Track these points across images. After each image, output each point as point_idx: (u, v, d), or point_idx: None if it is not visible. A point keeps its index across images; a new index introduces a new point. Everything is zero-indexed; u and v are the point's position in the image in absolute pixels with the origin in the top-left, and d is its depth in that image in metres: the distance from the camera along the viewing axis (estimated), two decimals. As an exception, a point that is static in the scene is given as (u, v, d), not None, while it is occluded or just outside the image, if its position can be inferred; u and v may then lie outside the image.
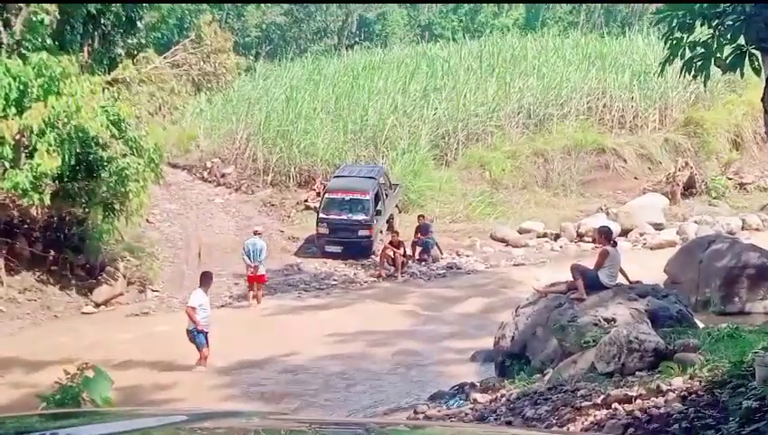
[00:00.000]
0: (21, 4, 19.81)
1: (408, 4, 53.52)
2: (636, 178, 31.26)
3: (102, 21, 23.04)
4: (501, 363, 13.85)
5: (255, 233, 21.37)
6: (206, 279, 16.05)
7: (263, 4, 47.61)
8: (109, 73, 21.73)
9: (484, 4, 53.32)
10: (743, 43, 6.67)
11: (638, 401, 8.23)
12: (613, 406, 8.29)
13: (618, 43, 37.87)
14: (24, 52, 19.26)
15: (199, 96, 27.94)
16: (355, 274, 23.29)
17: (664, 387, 8.50)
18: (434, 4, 53.28)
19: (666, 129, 33.11)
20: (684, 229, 26.24)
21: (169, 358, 15.98)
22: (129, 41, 24.44)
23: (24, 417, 2.39)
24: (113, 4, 22.56)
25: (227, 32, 28.77)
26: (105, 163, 19.67)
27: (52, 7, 19.89)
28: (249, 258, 20.47)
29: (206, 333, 15.39)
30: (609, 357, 10.42)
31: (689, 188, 29.87)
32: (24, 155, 18.52)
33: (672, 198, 29.10)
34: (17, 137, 18.16)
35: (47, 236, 20.30)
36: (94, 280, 20.62)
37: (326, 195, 24.87)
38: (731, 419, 6.78)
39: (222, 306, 20.22)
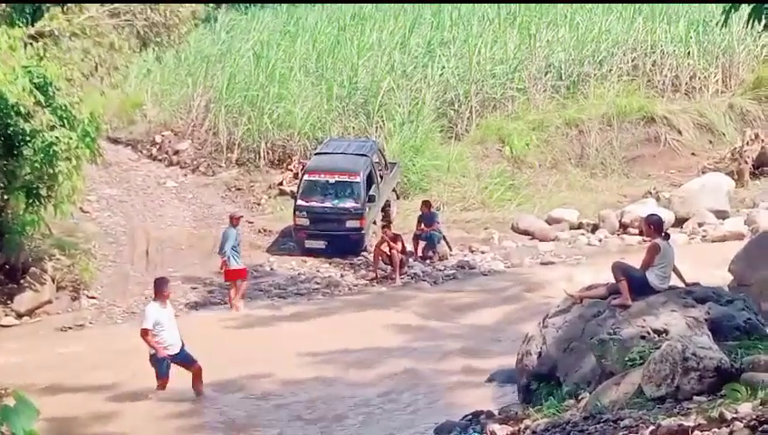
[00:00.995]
0: None
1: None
2: (693, 153, 31.27)
3: (24, -41, 22.98)
4: (525, 386, 13.86)
5: (231, 220, 21.77)
6: (160, 287, 15.63)
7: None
8: (32, 25, 21.66)
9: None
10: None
11: (697, 432, 8.24)
12: (665, 439, 8.30)
13: (671, -15, 37.88)
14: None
15: (146, 53, 27.78)
16: (342, 275, 23.32)
17: (728, 415, 8.51)
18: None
19: (730, 92, 33.12)
20: (753, 218, 26.25)
21: (112, 381, 16.00)
22: (58, -16, 24.38)
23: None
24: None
25: (181, -28, 28.71)
26: (28, 138, 19.59)
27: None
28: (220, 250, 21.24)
29: (174, 356, 15.16)
30: (659, 378, 10.43)
31: (760, 167, 29.87)
32: (-74, 128, 18.51)
33: (739, 179, 29.09)
34: None
35: (-44, 229, 20.29)
36: (15, 284, 20.56)
37: (306, 176, 24.85)
38: (812, 455, 6.79)
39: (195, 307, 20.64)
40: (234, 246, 20.83)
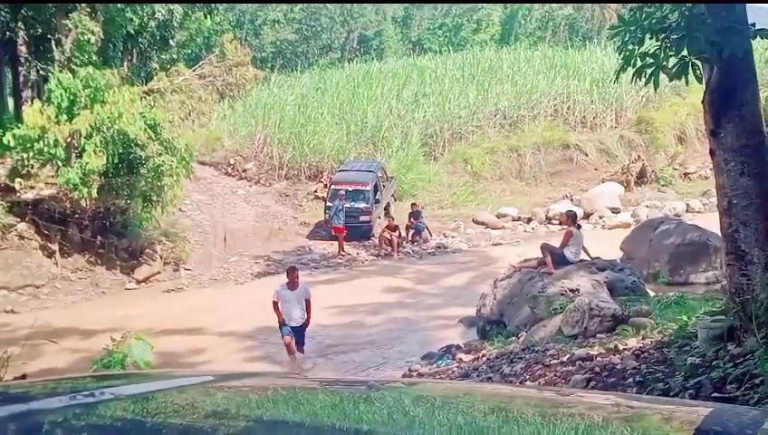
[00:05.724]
0: (70, 27, 19.79)
1: (401, 24, 53.47)
2: (596, 169, 31.23)
3: (140, 39, 23.07)
4: (482, 328, 13.87)
5: (339, 197, 23.16)
6: (289, 275, 13.80)
7: (276, 26, 47.52)
8: (146, 84, 21.73)
9: (465, 23, 53.37)
10: (686, 54, 6.65)
11: (599, 358, 8.25)
12: (577, 363, 8.31)
13: (579, 54, 37.75)
14: (73, 67, 19.32)
15: (223, 103, 27.84)
16: (357, 253, 23.26)
17: (620, 347, 8.53)
18: (423, 23, 53.35)
19: (621, 127, 33.05)
20: (637, 212, 26.27)
21: (200, 326, 16.01)
22: (163, 56, 24.47)
23: (76, 378, 2.39)
24: (149, 27, 22.56)
25: (246, 48, 28.74)
26: (143, 161, 19.62)
27: (97, 28, 19.92)
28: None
29: (291, 326, 13.38)
30: (573, 322, 10.45)
31: (641, 178, 29.86)
32: (74, 155, 18.56)
33: (627, 186, 29.09)
34: (68, 139, 18.34)
35: (95, 223, 20.24)
36: (136, 261, 20.56)
37: (332, 186, 24.79)
38: (677, 373, 6.80)
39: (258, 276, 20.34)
40: (340, 211, 22.70)
